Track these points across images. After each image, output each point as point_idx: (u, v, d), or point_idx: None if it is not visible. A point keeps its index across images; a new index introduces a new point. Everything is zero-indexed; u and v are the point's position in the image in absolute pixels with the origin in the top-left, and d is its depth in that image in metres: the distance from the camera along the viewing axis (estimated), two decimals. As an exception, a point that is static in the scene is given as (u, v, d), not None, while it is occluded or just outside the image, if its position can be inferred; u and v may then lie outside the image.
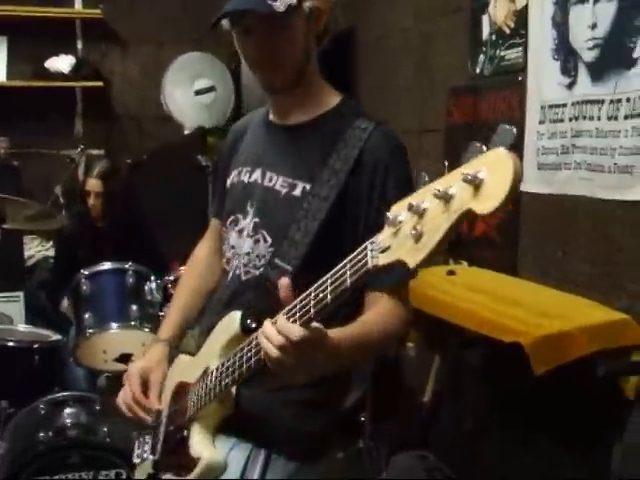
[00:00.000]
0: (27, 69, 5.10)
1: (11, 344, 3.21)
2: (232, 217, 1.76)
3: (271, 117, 1.77)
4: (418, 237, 1.04)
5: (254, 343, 1.41)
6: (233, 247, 1.74)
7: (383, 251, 1.12)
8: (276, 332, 1.29)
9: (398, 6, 4.49)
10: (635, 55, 2.49)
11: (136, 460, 1.85)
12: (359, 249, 1.17)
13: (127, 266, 3.37)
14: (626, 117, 2.54)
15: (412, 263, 1.06)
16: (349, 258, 1.19)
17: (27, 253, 4.80)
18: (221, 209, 1.93)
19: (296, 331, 1.27)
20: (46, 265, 4.79)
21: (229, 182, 1.81)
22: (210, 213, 2.03)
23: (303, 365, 1.31)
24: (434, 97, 4.04)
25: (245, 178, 1.74)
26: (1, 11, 4.90)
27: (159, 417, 1.79)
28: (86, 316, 3.27)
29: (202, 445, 1.60)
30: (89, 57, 5.29)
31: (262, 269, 1.63)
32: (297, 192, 1.62)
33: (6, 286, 4.27)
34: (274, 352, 1.29)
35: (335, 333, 1.36)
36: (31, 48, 5.09)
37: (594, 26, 2.69)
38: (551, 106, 2.95)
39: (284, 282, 1.33)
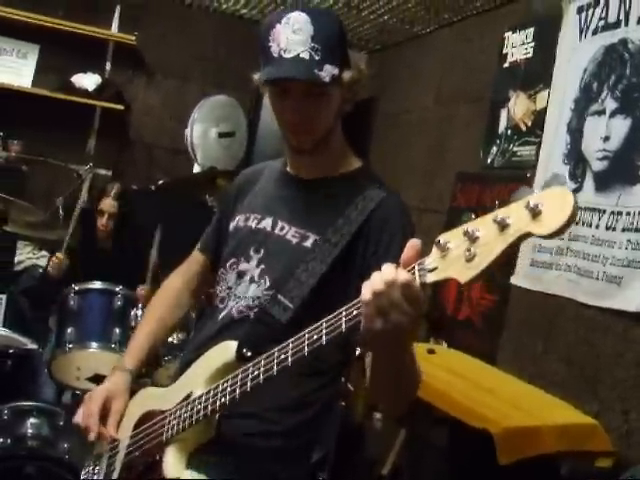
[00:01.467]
0: (53, 80, 5.17)
1: (-14, 345, 3.20)
2: (233, 259, 1.77)
3: (288, 169, 1.81)
4: (471, 257, 1.11)
5: (263, 362, 1.42)
6: (230, 288, 1.75)
7: (430, 271, 1.18)
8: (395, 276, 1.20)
9: (421, 85, 4.61)
10: (641, 173, 2.60)
11: None
12: (406, 269, 1.21)
13: (117, 289, 3.38)
14: (623, 230, 2.62)
15: (463, 280, 1.12)
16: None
17: (17, 258, 4.80)
18: (210, 246, 1.95)
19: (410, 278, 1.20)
20: (33, 273, 4.79)
21: (233, 226, 1.82)
22: (200, 246, 2.01)
23: (400, 323, 1.21)
24: (441, 179, 4.13)
25: (253, 224, 1.76)
26: (38, 20, 5.00)
27: (115, 447, 1.76)
28: (68, 330, 3.27)
29: (178, 468, 1.57)
30: (115, 79, 5.38)
31: (263, 304, 1.64)
32: (308, 243, 1.66)
33: (-9, 287, 4.27)
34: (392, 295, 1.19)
35: None
36: (61, 61, 5.18)
37: (607, 138, 2.80)
38: (554, 207, 3.03)
39: (416, 242, 1.25)
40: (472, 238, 1.12)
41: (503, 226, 1.08)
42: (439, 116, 4.34)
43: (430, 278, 1.18)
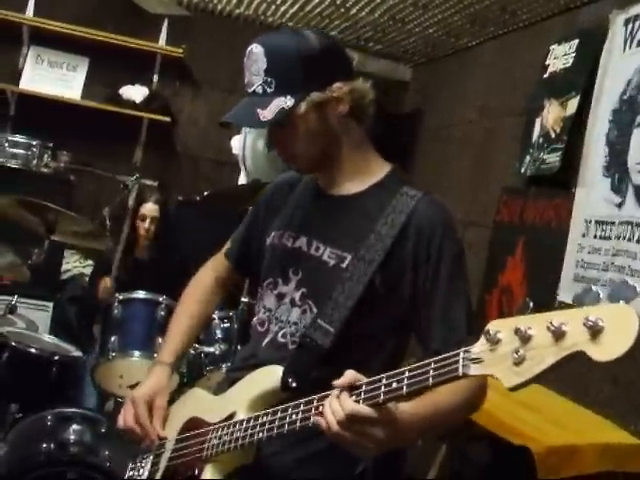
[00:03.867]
0: (102, 92, 5.25)
1: (33, 351, 3.24)
2: (270, 279, 1.77)
3: (320, 184, 1.78)
4: (519, 361, 1.07)
5: (302, 408, 1.42)
6: (270, 310, 1.75)
7: (475, 362, 1.15)
8: (339, 408, 1.31)
9: (466, 98, 4.59)
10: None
11: None
12: (450, 354, 1.19)
13: (161, 299, 3.42)
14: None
15: (507, 384, 1.09)
16: (435, 359, 1.21)
17: (64, 267, 4.88)
18: (235, 255, 1.96)
19: (355, 409, 1.30)
20: (80, 281, 4.87)
21: (268, 242, 1.80)
22: (226, 250, 2.01)
23: (364, 440, 1.32)
24: (485, 193, 4.10)
25: (288, 243, 1.74)
26: (88, 34, 5.10)
27: (161, 444, 1.78)
28: (112, 339, 3.32)
29: None
30: (162, 92, 5.44)
31: (305, 329, 1.64)
32: (345, 264, 1.63)
33: (39, 294, 4.35)
34: (334, 426, 1.32)
35: (405, 408, 1.38)
36: (109, 73, 5.27)
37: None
38: (598, 222, 2.98)
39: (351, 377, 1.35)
40: (524, 338, 1.08)
41: (559, 335, 1.04)
42: (484, 129, 4.31)
43: (473, 371, 1.15)
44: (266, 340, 1.73)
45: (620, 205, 2.86)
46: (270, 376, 1.59)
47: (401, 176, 1.75)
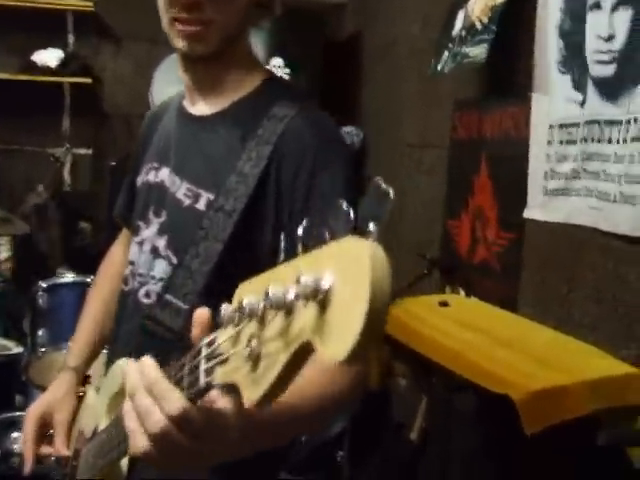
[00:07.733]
0: (13, 62, 4.84)
1: (-34, 353, 2.98)
2: (135, 225, 1.44)
3: (184, 102, 1.43)
4: (255, 360, 0.67)
5: None
6: (132, 263, 1.40)
7: (223, 361, 0.73)
8: (152, 403, 0.82)
9: (406, 12, 4.26)
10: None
11: None
12: (194, 350, 0.81)
13: (89, 280, 3.09)
14: (633, 140, 2.26)
15: (248, 399, 0.69)
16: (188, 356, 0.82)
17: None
18: (123, 212, 1.63)
19: (180, 405, 0.81)
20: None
21: (139, 181, 1.48)
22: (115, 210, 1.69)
23: (198, 453, 0.86)
24: (438, 109, 3.80)
25: (151, 177, 1.42)
26: (-10, -1, 4.68)
27: (75, 457, 1.44)
28: (40, 333, 3.03)
29: None
30: (80, 52, 5.03)
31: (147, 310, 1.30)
32: (201, 205, 1.28)
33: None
34: (143, 442, 0.84)
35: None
36: (18, 40, 4.84)
37: (610, 37, 2.40)
38: (561, 125, 2.66)
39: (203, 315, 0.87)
40: (258, 318, 0.66)
41: (288, 311, 0.61)
42: (429, 42, 3.96)
43: (218, 378, 0.74)
44: (129, 302, 1.40)
45: (582, 103, 2.53)
46: (118, 374, 1.27)
47: (278, 86, 1.38)
